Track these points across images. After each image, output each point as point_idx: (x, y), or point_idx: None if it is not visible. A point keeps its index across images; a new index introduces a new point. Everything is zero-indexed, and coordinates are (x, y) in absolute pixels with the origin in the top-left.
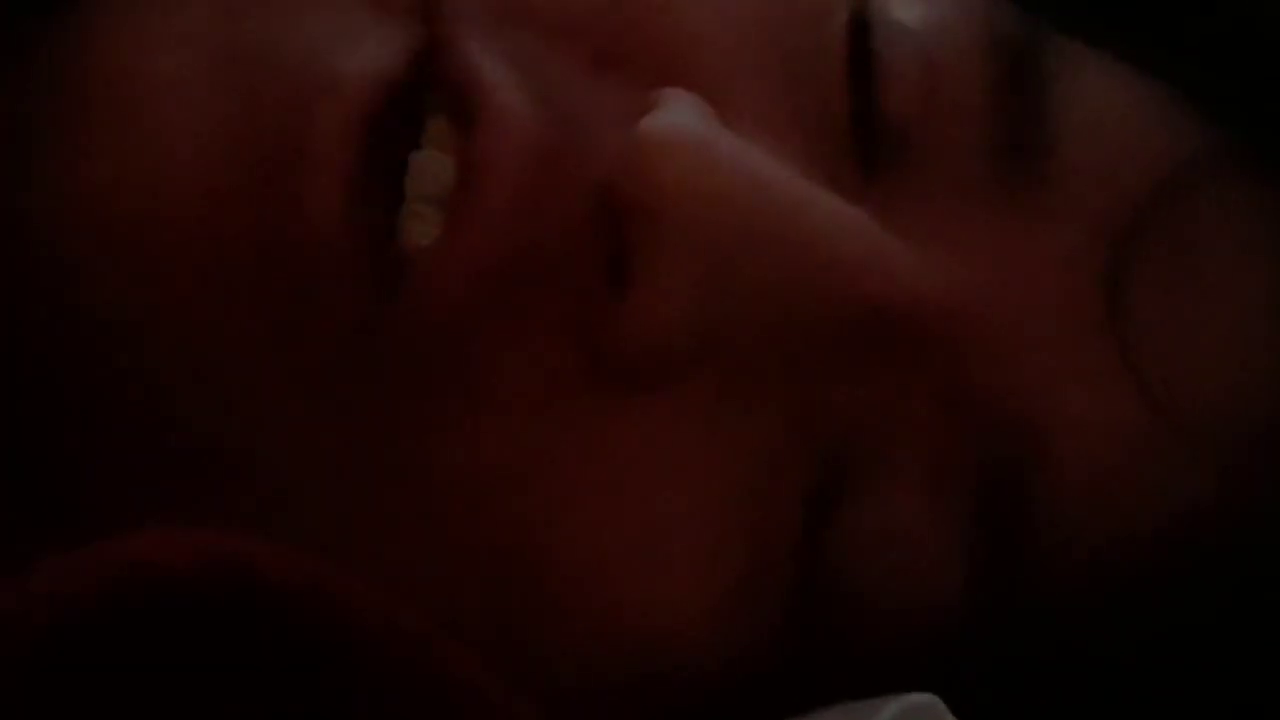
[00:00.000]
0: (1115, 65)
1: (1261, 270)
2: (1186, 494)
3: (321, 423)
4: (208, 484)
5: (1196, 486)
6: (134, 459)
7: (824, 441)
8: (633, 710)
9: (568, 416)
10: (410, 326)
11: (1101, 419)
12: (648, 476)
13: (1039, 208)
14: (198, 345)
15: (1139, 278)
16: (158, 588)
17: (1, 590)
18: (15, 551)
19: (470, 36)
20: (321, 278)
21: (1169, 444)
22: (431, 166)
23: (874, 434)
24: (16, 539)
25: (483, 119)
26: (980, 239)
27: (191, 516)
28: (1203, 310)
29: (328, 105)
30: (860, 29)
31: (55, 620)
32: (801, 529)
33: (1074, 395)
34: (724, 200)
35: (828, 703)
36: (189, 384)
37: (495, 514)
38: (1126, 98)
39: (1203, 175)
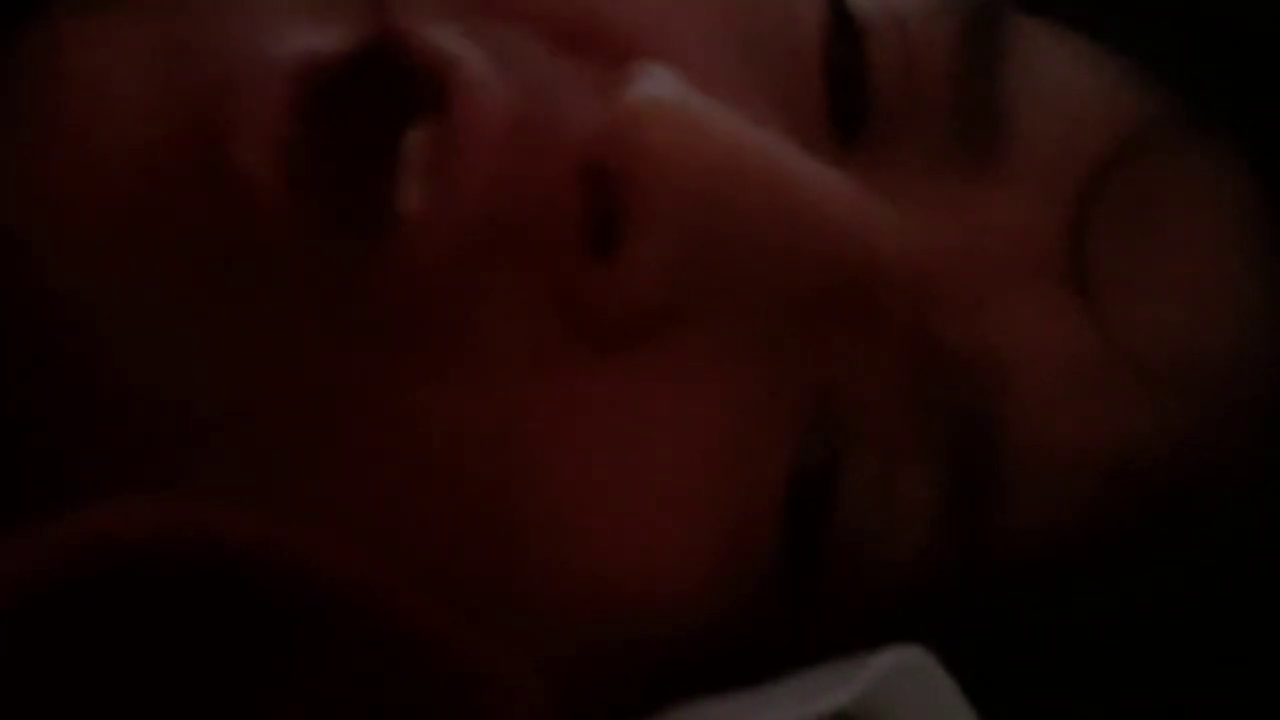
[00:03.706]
0: (1071, 36)
1: (1216, 222)
2: (1145, 431)
3: (299, 386)
4: (181, 450)
5: (1154, 424)
6: (105, 432)
7: (805, 399)
8: (620, 669)
9: (549, 375)
10: (393, 288)
11: (1061, 356)
12: (630, 434)
13: (1003, 169)
14: (161, 318)
15: (1100, 231)
16: (116, 561)
17: None
18: None
19: (427, 22)
20: (272, 246)
21: (1128, 382)
22: (418, 138)
23: (853, 391)
24: None
25: (455, 88)
26: (950, 201)
27: (167, 484)
28: (1161, 260)
29: (265, 78)
30: (837, 1)
31: (13, 601)
32: (786, 486)
33: (1034, 334)
34: (711, 164)
35: (813, 659)
36: (155, 355)
37: (479, 474)
38: (1084, 66)
39: (1159, 137)
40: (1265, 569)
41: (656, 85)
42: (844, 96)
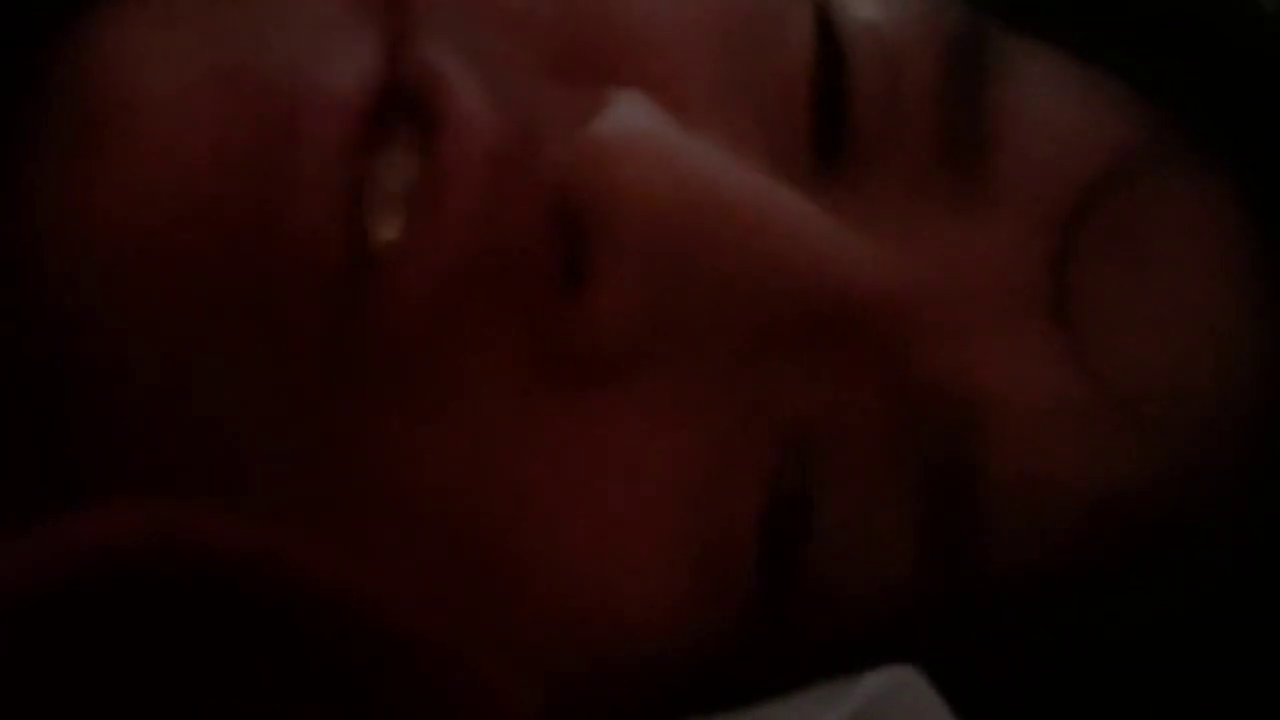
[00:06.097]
0: (1057, 58)
1: (1201, 255)
2: (1128, 468)
3: (295, 421)
4: (186, 479)
5: (1137, 459)
6: (113, 458)
7: (781, 432)
8: (600, 700)
9: (527, 412)
10: (376, 325)
11: (1043, 394)
12: (606, 470)
13: (987, 198)
14: (179, 348)
15: (1083, 261)
16: (108, 565)
17: None
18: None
19: (434, 38)
20: (305, 283)
21: (1110, 419)
22: (399, 169)
23: (828, 423)
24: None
25: (447, 122)
26: (931, 230)
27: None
28: (1144, 293)
29: (312, 120)
30: (824, 25)
31: (4, 604)
32: (761, 518)
33: (1016, 372)
34: (678, 198)
35: (794, 686)
36: (169, 385)
37: (459, 509)
38: (1069, 89)
39: (1145, 163)
40: (1250, 602)
41: (628, 115)
42: (827, 122)
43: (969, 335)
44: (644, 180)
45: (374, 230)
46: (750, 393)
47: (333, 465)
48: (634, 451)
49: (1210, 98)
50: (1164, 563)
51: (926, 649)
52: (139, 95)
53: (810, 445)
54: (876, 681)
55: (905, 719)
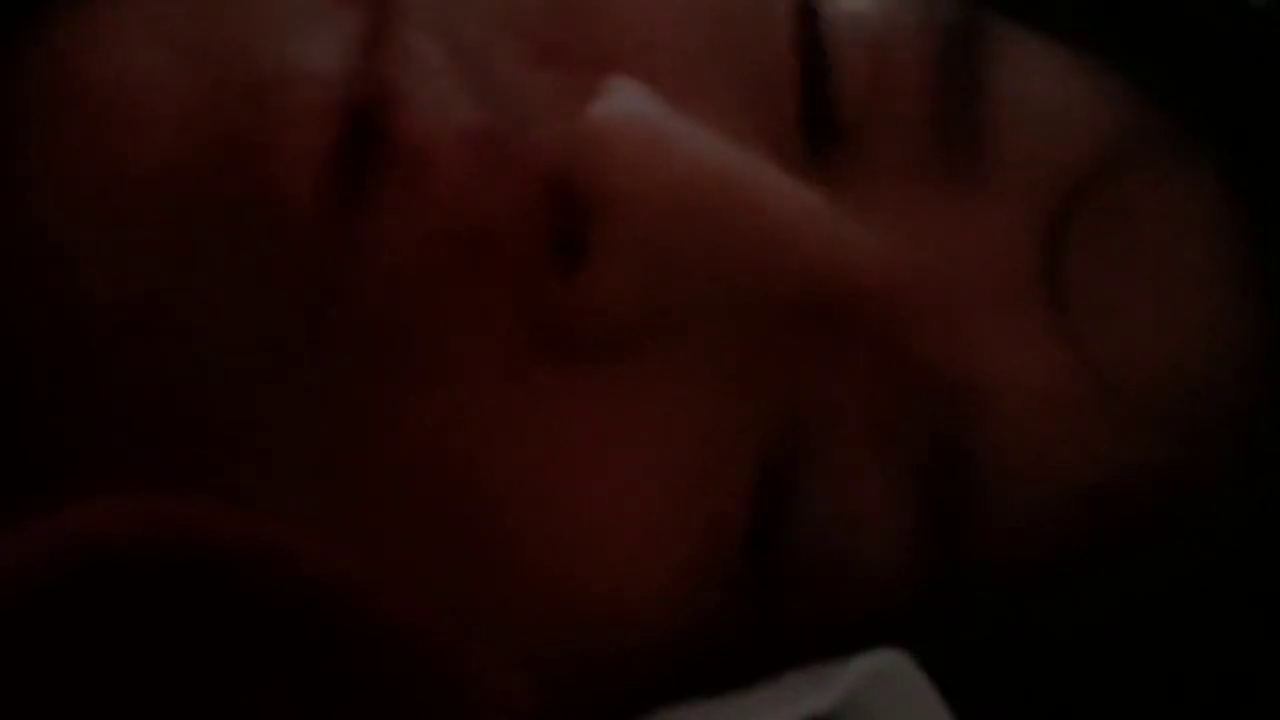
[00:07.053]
0: (1052, 47)
1: (1194, 242)
2: (1121, 455)
3: (287, 394)
4: (175, 451)
5: (1131, 447)
6: (102, 430)
7: (775, 414)
8: (591, 683)
9: (520, 390)
10: (360, 292)
11: (1038, 380)
12: (599, 449)
13: (979, 184)
14: (168, 321)
15: (1076, 249)
16: (100, 556)
17: None
18: None
19: (414, 28)
20: (290, 254)
21: (1104, 405)
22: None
23: (823, 406)
24: None
25: (413, 107)
26: (923, 216)
27: (156, 483)
28: (1137, 279)
29: (295, 93)
30: (808, 12)
31: None
32: (755, 500)
33: (1011, 358)
34: (675, 181)
35: (788, 667)
36: (159, 357)
37: (451, 485)
38: (1063, 78)
39: (1138, 152)
40: (1245, 588)
41: (624, 100)
42: (817, 108)
43: (963, 320)
44: (642, 162)
45: (358, 198)
46: (743, 374)
47: (319, 442)
48: (626, 430)
49: (1200, 87)
50: (1157, 549)
51: (919, 633)
52: (115, 73)
53: (803, 427)
54: (864, 666)
55: (893, 704)
